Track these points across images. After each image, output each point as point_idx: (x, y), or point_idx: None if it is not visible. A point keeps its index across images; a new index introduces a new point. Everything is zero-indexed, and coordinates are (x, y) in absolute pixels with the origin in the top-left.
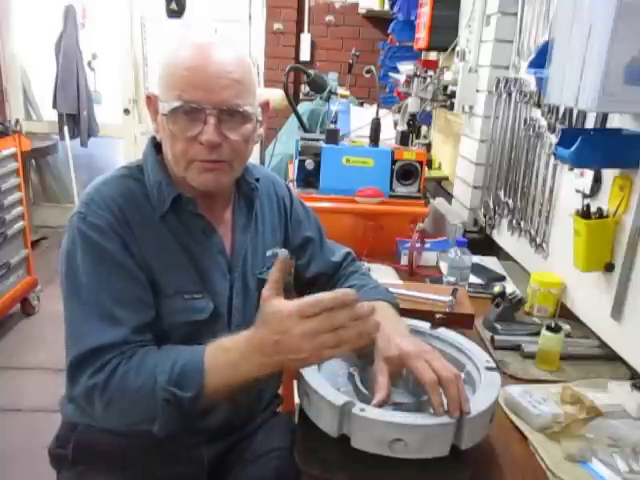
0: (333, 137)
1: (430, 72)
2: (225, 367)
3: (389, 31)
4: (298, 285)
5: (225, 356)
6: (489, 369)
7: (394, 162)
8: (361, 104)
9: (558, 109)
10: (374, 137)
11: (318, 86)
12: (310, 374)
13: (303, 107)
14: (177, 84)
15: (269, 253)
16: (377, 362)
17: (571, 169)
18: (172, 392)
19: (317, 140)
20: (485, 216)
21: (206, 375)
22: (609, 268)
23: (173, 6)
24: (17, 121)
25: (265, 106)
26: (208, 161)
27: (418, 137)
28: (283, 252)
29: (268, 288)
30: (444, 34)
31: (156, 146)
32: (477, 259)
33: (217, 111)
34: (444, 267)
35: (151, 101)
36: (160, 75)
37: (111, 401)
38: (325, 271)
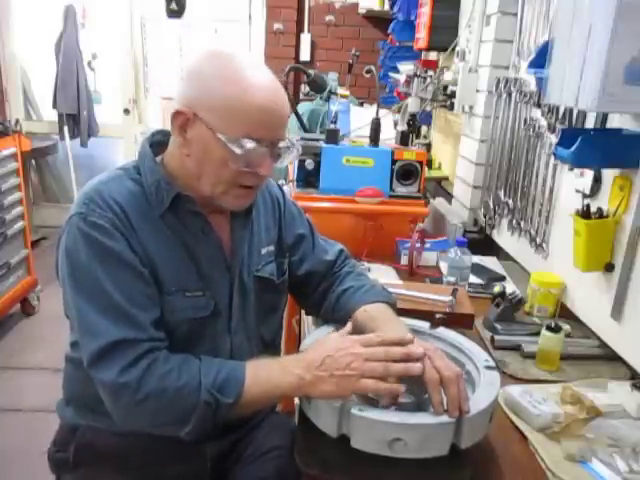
0: (333, 137)
1: (430, 72)
2: (263, 379)
3: (389, 31)
4: (291, 283)
5: (265, 368)
6: (488, 368)
7: (394, 162)
8: (361, 104)
9: (558, 109)
10: (374, 137)
11: (318, 86)
12: None
13: (303, 107)
14: (247, 122)
15: (264, 251)
16: None
17: (571, 169)
18: (215, 396)
19: (317, 140)
20: (485, 216)
21: (245, 385)
22: (609, 268)
23: (173, 6)
24: (17, 121)
25: None
26: (249, 187)
27: (418, 137)
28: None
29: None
30: (444, 34)
31: (152, 146)
32: (477, 259)
33: (276, 147)
34: (444, 267)
35: (184, 117)
36: (219, 102)
37: (147, 399)
38: (318, 269)
